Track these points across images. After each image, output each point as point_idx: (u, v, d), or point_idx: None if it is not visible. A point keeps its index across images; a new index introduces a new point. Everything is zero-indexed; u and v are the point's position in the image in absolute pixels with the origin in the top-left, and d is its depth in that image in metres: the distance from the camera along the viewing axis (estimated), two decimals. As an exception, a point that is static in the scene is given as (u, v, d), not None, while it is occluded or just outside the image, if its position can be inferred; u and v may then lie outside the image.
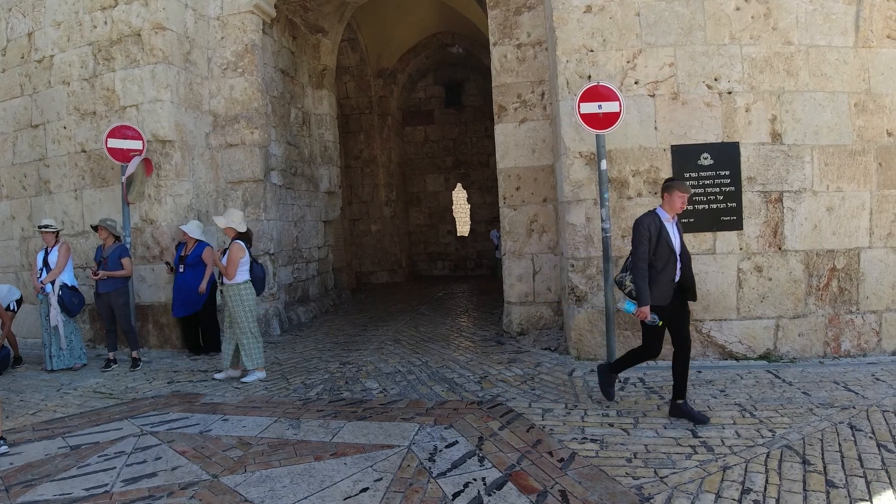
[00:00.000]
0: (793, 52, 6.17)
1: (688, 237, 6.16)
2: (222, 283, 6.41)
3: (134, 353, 7.29)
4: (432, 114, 18.66)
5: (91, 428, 5.00)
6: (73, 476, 3.99)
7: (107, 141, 7.58)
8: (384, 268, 16.40)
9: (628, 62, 6.27)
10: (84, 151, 8.45)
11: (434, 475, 3.69)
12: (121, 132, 7.69)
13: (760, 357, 6.16)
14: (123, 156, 7.67)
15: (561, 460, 3.82)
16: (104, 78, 8.28)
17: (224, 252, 6.39)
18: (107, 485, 3.82)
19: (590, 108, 5.77)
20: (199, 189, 8.58)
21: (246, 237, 6.49)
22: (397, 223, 16.87)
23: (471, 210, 18.26)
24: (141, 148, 7.78)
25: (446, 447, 4.12)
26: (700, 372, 5.75)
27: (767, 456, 3.77)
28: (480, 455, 3.95)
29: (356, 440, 4.36)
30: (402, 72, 16.90)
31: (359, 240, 16.41)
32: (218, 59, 8.95)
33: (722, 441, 4.04)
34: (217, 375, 6.48)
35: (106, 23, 8.25)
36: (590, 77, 6.24)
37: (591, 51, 6.33)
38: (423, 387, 5.75)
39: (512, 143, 7.66)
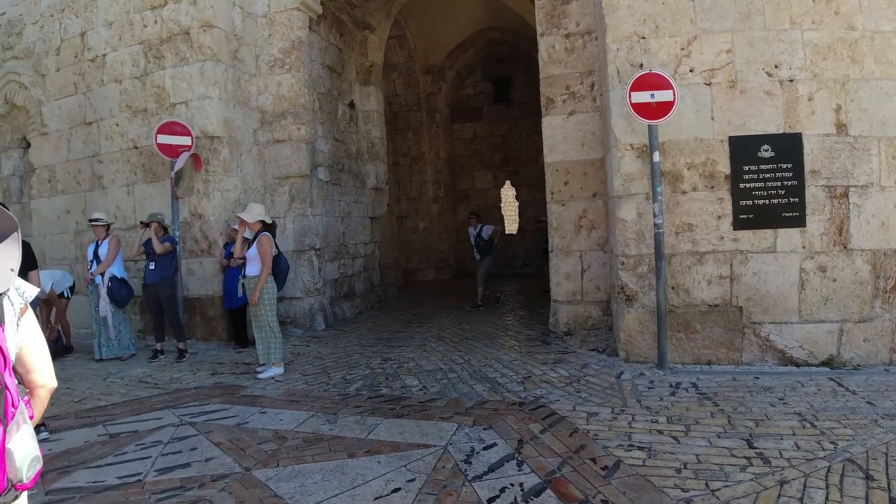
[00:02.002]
0: (857, 38, 5.74)
1: (747, 234, 5.85)
2: (244, 277, 6.40)
3: (180, 345, 7.39)
4: (481, 110, 18.47)
5: (132, 416, 5.07)
6: (109, 464, 4.02)
7: (156, 137, 7.71)
8: (431, 265, 16.31)
9: (682, 49, 5.96)
10: (136, 147, 8.62)
11: (469, 478, 3.53)
12: (170, 128, 7.81)
13: (822, 363, 5.75)
14: (173, 151, 7.78)
15: (605, 468, 3.60)
16: (154, 76, 8.43)
17: (250, 244, 6.38)
18: (140, 473, 3.83)
19: (641, 97, 5.51)
20: (246, 184, 8.65)
21: (272, 229, 6.47)
22: (445, 220, 16.76)
23: (519, 208, 17.99)
24: (190, 144, 7.89)
25: (484, 449, 3.96)
26: (758, 378, 5.41)
27: (828, 470, 3.47)
28: (519, 459, 3.77)
29: (392, 438, 4.24)
30: (450, 68, 16.77)
31: (406, 237, 16.36)
32: (265, 56, 9.01)
33: (780, 453, 3.74)
34: (260, 374, 6.33)
35: (156, 22, 8.40)
36: (641, 65, 5.96)
37: (643, 38, 6.05)
38: (464, 385, 5.59)
39: (560, 137, 7.42)
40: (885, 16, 5.72)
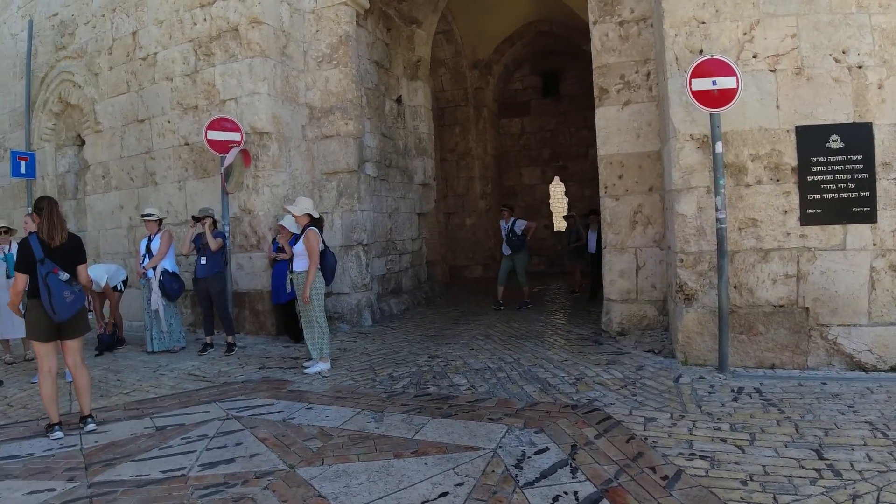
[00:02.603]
0: (929, 22, 5.33)
1: (814, 230, 5.50)
2: (291, 272, 6.38)
3: (229, 339, 7.45)
4: (529, 105, 18.20)
5: (179, 409, 5.10)
6: (154, 457, 4.02)
7: (206, 133, 7.77)
8: (478, 262, 16.14)
9: (745, 34, 5.63)
10: (187, 144, 8.73)
11: (521, 484, 3.36)
12: (220, 124, 7.87)
13: (892, 369, 5.35)
14: (222, 147, 7.84)
15: (665, 478, 3.38)
16: (204, 73, 8.52)
17: (297, 239, 6.34)
18: (184, 468, 3.81)
19: (703, 84, 5.23)
20: (295, 180, 8.66)
21: (319, 224, 6.42)
22: (492, 217, 16.53)
23: (568, 204, 17.64)
24: (239, 139, 7.93)
25: (535, 453, 3.78)
26: (825, 384, 5.07)
27: (905, 484, 3.18)
28: (573, 465, 3.59)
29: (439, 439, 4.11)
30: (497, 62, 16.58)
31: (453, 233, 16.23)
32: (313, 51, 9.01)
33: (851, 465, 3.46)
34: (307, 370, 6.27)
35: (205, 19, 8.49)
36: (701, 51, 5.66)
37: (703, 23, 5.74)
38: (514, 385, 5.42)
39: (614, 128, 7.14)
40: (963, -4, 5.29)
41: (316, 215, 6.43)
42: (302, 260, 6.25)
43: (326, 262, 6.35)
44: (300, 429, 4.48)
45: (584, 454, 3.75)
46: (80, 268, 4.67)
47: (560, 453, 3.77)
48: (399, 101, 11.20)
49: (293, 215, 6.41)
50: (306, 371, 6.21)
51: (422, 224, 11.96)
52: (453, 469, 3.60)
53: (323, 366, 6.28)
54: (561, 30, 15.72)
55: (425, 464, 3.70)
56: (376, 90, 10.25)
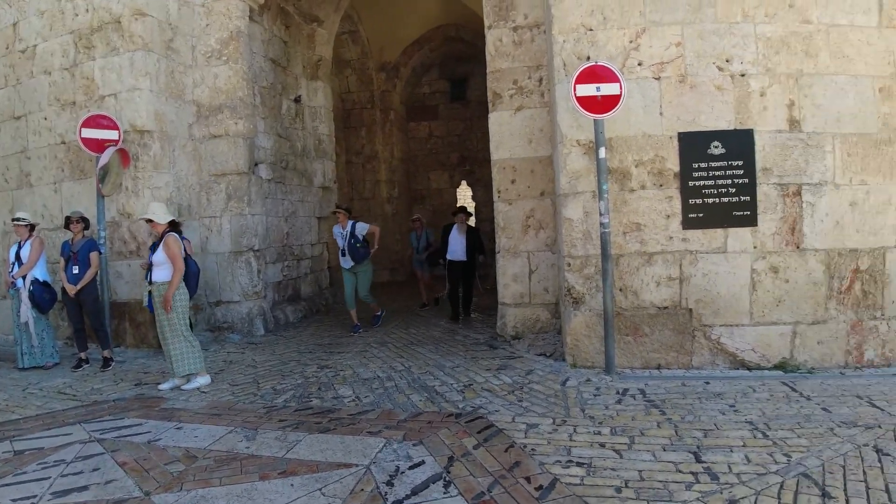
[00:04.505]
0: (812, 32, 5.59)
1: (696, 233, 5.64)
2: (151, 283, 5.82)
3: (105, 353, 6.91)
4: (437, 109, 18.16)
5: (42, 432, 4.64)
6: (6, 485, 3.64)
7: (80, 131, 7.21)
8: (385, 266, 15.87)
9: (631, 42, 5.72)
10: (63, 143, 8.09)
11: (389, 503, 3.17)
12: (96, 121, 7.33)
13: (775, 367, 5.57)
14: (98, 146, 7.30)
15: (539, 488, 3.28)
16: (84, 67, 7.91)
17: (155, 247, 5.86)
18: (35, 497, 3.45)
19: (587, 90, 5.26)
20: (179, 182, 8.15)
21: (177, 229, 6.01)
22: (399, 221, 16.34)
23: (476, 208, 17.70)
24: (117, 138, 7.40)
25: (410, 468, 3.60)
26: (708, 383, 5.19)
27: (781, 486, 3.21)
28: (447, 479, 3.43)
29: (312, 457, 3.86)
30: (405, 66, 16.42)
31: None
32: (202, 46, 8.53)
33: (729, 467, 3.48)
34: (185, 386, 5.84)
35: (87, 10, 7.88)
36: (588, 58, 5.70)
37: (591, 30, 5.78)
38: (401, 395, 5.23)
39: (507, 133, 7.12)
40: (842, 8, 5.57)
41: (162, 221, 5.89)
42: (163, 270, 5.76)
43: (189, 271, 5.88)
44: (164, 451, 4.12)
45: (459, 466, 3.60)
46: None
47: (436, 467, 3.61)
48: (298, 100, 10.82)
49: (155, 224, 5.88)
50: (184, 387, 5.77)
51: (322, 228, 11.59)
52: (320, 490, 3.36)
53: (202, 380, 5.86)
54: (469, 35, 15.74)
55: (291, 485, 3.44)
56: (272, 89, 9.85)
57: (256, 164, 8.96)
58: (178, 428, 4.61)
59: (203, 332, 8.22)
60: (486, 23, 7.24)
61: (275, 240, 9.62)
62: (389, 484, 3.40)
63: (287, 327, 9.21)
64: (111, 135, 7.37)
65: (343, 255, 8.64)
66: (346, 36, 14.81)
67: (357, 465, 3.67)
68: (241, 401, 5.31)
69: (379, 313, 9.30)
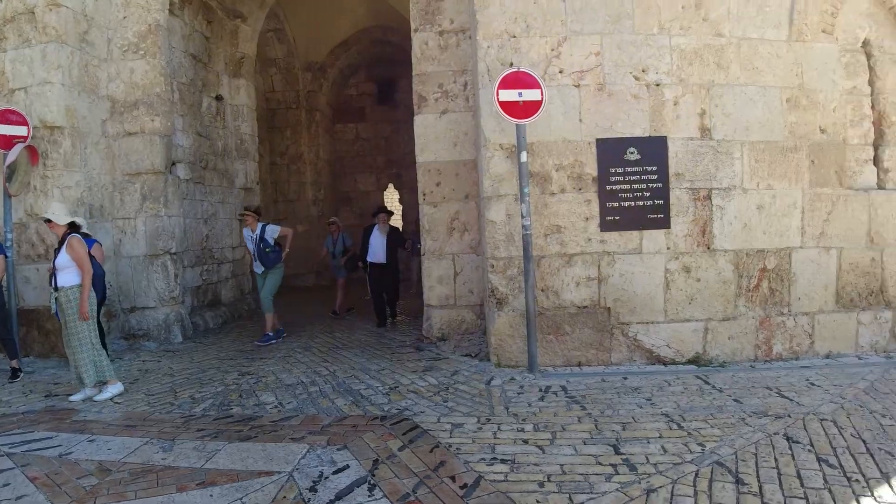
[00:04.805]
0: (724, 45, 5.92)
1: (614, 236, 5.85)
2: (56, 289, 5.48)
3: (13, 363, 6.47)
4: (364, 111, 18.03)
5: (-55, 448, 4.30)
6: None
7: (-13, 127, 6.76)
8: (311, 270, 15.58)
9: (552, 50, 5.88)
10: (-31, 140, 7.52)
11: (313, 509, 3.13)
12: (4, 117, 6.90)
13: (689, 361, 5.87)
14: (6, 143, 6.87)
15: (464, 486, 3.32)
16: (-6, 59, 7.40)
17: (57, 251, 5.54)
18: (-65, 519, 3.19)
19: (510, 95, 5.36)
20: (91, 181, 7.74)
21: (78, 230, 5.70)
22: (325, 224, 16.12)
23: (403, 211, 17.69)
24: (26, 134, 6.98)
25: (334, 473, 3.57)
26: (626, 378, 5.39)
27: (696, 475, 3.38)
28: (372, 482, 3.42)
29: (232, 466, 3.75)
30: (332, 66, 16.21)
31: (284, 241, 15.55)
32: (118, 39, 8.14)
33: (646, 458, 3.63)
34: (97, 396, 5.54)
35: (1, 0, 7.38)
36: (511, 64, 5.82)
37: (514, 37, 5.91)
38: (325, 400, 5.16)
39: (432, 136, 7.16)
40: (753, 23, 5.92)
41: (61, 221, 5.58)
42: (68, 273, 5.44)
43: (95, 273, 5.62)
44: (76, 465, 3.92)
45: (385, 469, 3.59)
46: None
47: (360, 470, 3.59)
48: (219, 98, 10.50)
49: (54, 224, 5.56)
50: (96, 398, 5.48)
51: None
52: (241, 499, 3.27)
53: (114, 389, 5.58)
54: (397, 38, 15.67)
55: (211, 496, 3.34)
56: (192, 86, 9.52)
57: (174, 164, 8.63)
58: (90, 440, 4.39)
59: (117, 339, 7.84)
60: (413, 26, 7.27)
61: (193, 242, 9.29)
62: (313, 490, 3.35)
63: (207, 334, 8.91)
64: (20, 131, 6.96)
65: (254, 259, 8.24)
66: (271, 34, 14.49)
67: (279, 473, 3.60)
68: (157, 411, 5.10)
69: (271, 333, 8.06)
